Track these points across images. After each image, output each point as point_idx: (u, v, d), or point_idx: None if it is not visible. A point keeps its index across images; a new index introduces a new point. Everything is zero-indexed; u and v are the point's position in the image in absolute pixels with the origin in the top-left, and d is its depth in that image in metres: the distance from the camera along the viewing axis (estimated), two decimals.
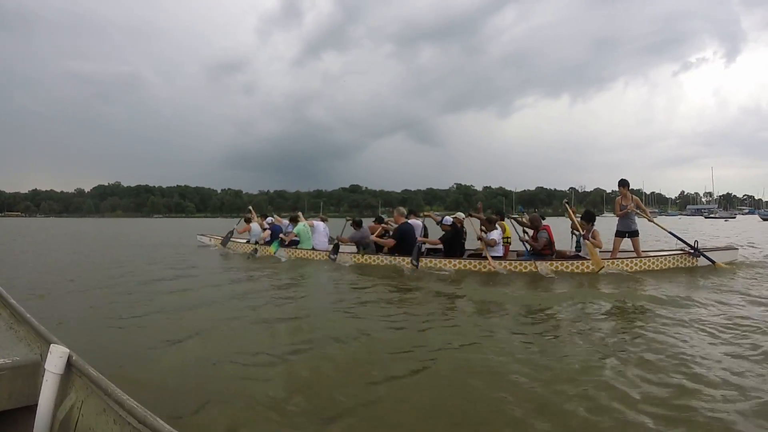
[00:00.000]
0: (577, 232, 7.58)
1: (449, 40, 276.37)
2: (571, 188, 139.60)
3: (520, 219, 8.03)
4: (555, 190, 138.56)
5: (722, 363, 2.83)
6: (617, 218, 7.49)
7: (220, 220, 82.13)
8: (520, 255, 7.64)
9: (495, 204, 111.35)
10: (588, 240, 6.94)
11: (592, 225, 7.21)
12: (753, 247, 11.28)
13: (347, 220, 9.08)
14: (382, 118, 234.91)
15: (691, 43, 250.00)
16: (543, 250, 7.18)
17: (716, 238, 14.85)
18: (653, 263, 6.95)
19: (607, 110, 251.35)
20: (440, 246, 7.65)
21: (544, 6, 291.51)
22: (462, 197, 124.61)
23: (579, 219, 7.40)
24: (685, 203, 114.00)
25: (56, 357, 1.50)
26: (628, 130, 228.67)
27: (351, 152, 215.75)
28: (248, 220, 10.90)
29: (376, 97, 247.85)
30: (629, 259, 6.89)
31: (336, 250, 8.32)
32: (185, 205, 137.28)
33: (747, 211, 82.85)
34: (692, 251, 7.06)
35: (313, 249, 8.97)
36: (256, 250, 9.76)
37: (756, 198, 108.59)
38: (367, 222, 9.15)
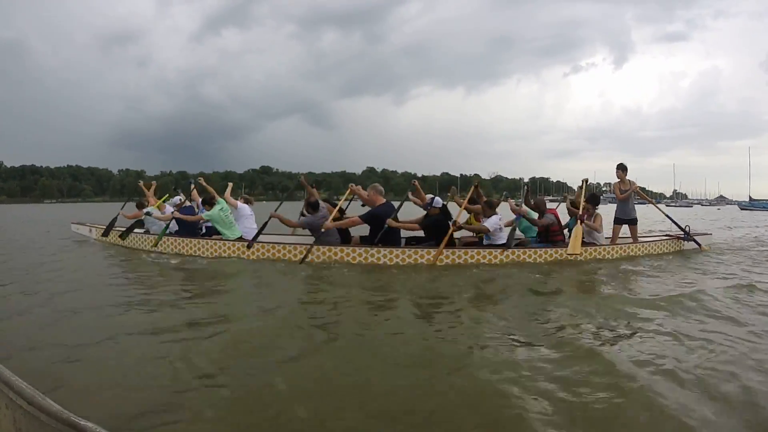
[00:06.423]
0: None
1: (353, 26, 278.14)
2: (476, 174, 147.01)
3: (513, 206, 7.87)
4: (468, 176, 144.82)
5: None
6: (617, 204, 7.70)
7: (128, 205, 73.89)
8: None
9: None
10: (585, 222, 6.94)
11: (595, 209, 7.24)
12: None
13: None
14: (278, 99, 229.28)
15: (583, 48, 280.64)
16: (555, 236, 7.20)
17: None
18: (650, 248, 7.44)
19: (499, 104, 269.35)
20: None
21: (449, 1, 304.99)
22: (383, 182, 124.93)
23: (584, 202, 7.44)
24: (588, 191, 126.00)
25: None
26: (518, 124, 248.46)
27: (245, 133, 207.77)
28: (141, 205, 8.54)
29: (272, 78, 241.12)
30: (628, 245, 7.25)
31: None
32: (81, 188, 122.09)
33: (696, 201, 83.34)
34: (684, 236, 7.70)
35: (240, 239, 7.09)
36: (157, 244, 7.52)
37: (647, 189, 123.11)
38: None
